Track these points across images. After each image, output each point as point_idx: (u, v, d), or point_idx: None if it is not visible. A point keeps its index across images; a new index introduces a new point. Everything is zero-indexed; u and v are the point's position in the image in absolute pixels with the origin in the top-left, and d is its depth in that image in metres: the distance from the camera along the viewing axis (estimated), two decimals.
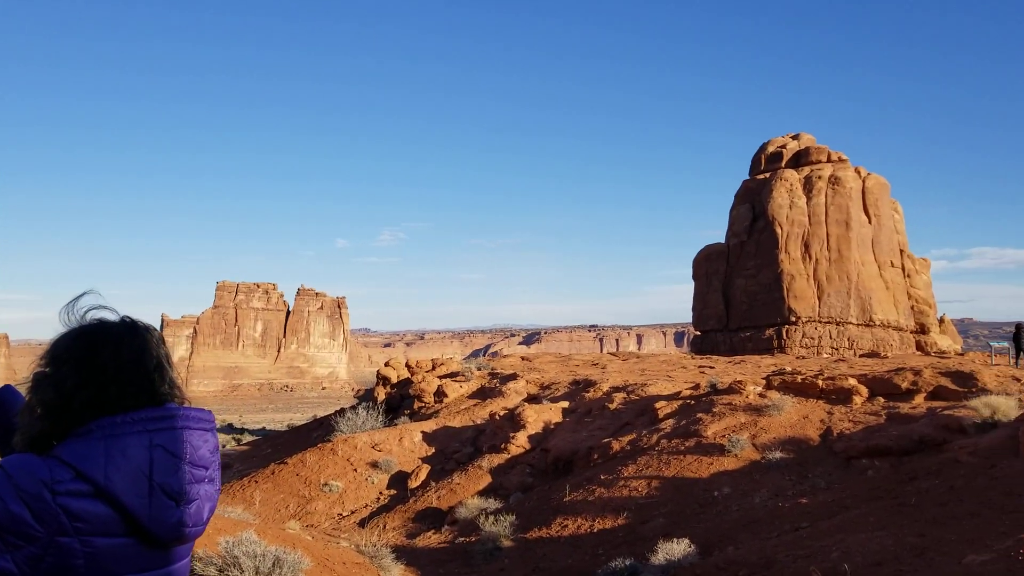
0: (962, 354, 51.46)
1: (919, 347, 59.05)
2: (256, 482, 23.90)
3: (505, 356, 52.57)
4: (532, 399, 30.18)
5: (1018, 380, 18.28)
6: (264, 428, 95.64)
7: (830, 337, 59.13)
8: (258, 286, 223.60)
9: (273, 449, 39.66)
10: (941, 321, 63.22)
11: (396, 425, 28.95)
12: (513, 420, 25.56)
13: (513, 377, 34.31)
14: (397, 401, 37.55)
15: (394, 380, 40.44)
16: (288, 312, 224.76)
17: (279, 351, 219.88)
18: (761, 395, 20.75)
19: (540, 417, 25.51)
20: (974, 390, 17.48)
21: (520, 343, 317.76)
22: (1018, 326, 29.87)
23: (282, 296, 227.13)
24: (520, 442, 23.97)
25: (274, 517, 21.53)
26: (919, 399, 18.48)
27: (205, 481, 2.12)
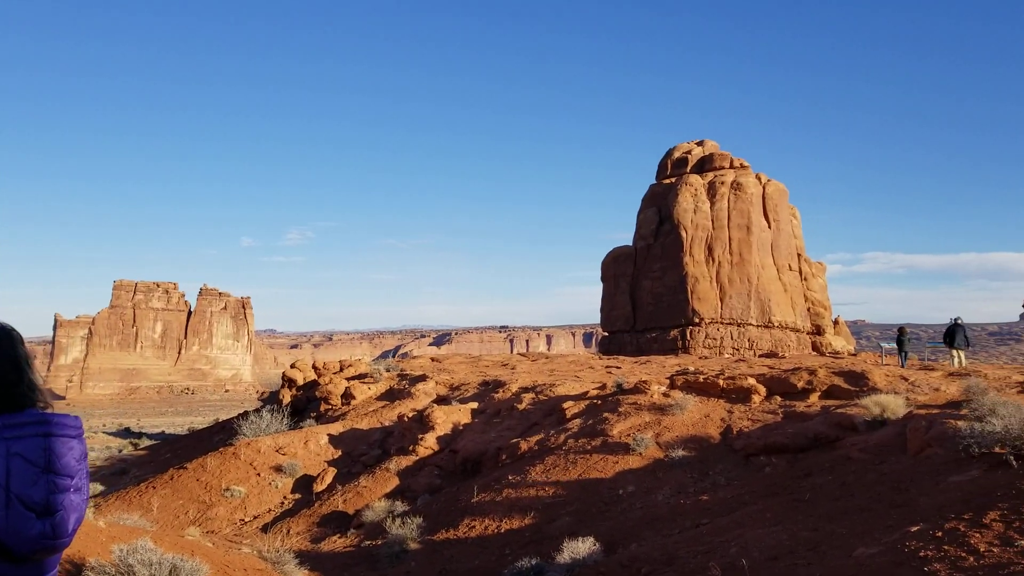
0: (855, 354, 53.75)
1: (815, 347, 61.35)
2: (154, 488, 23.09)
3: (415, 357, 52.25)
4: (441, 400, 30.07)
5: (906, 379, 19.19)
6: (163, 432, 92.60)
7: (732, 338, 60.79)
8: (158, 285, 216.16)
9: (172, 454, 38.43)
10: (836, 323, 65.80)
11: (302, 428, 28.40)
12: (422, 422, 25.41)
13: (422, 378, 34.12)
14: (303, 403, 36.86)
15: (300, 382, 39.69)
16: (190, 312, 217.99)
17: (180, 352, 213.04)
18: (665, 395, 21.20)
19: (449, 418, 25.45)
20: (865, 389, 18.26)
21: (431, 344, 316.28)
22: (900, 330, 31.43)
23: (183, 296, 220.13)
24: (429, 443, 23.84)
25: (172, 524, 20.84)
26: (814, 398, 19.20)
27: (70, 491, 2.00)
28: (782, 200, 65.90)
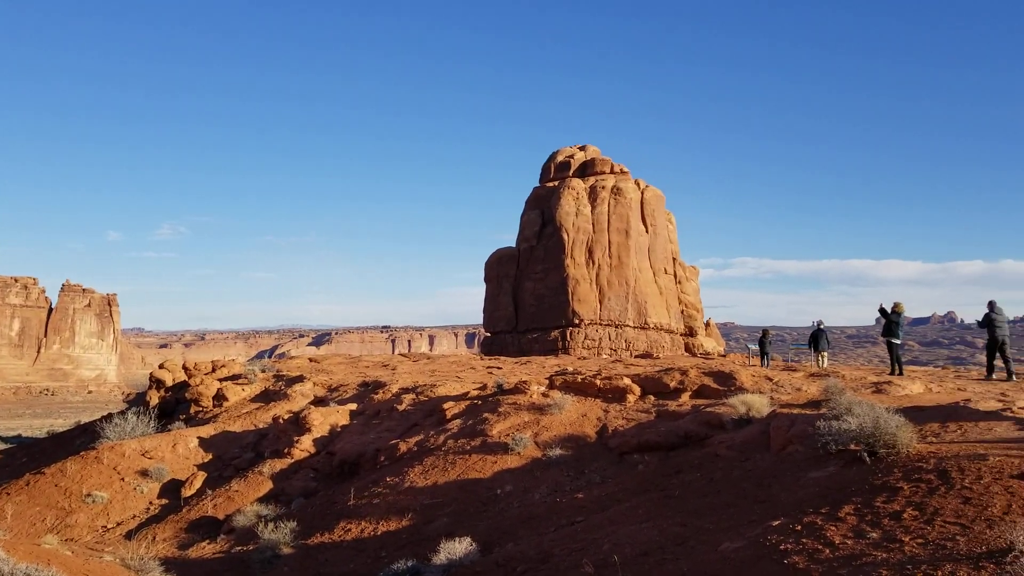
0: (724, 355, 55.86)
1: (687, 348, 63.42)
2: (8, 494, 21.66)
3: (293, 358, 50.99)
4: (319, 402, 29.44)
5: (770, 380, 20.06)
6: (20, 435, 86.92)
7: (610, 339, 62.06)
8: (16, 280, 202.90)
9: (29, 458, 36.12)
10: (707, 325, 68.22)
11: (170, 431, 27.22)
12: (298, 423, 24.82)
13: (300, 379, 33.33)
14: (172, 405, 35.38)
15: (169, 383, 38.08)
16: (51, 309, 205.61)
17: (39, 351, 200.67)
18: (544, 395, 21.43)
19: (327, 420, 24.95)
20: (733, 389, 18.99)
21: (310, 344, 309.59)
22: (764, 332, 33.01)
23: (44, 292, 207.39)
24: (305, 446, 23.30)
25: (28, 532, 19.62)
26: (685, 397, 19.82)
27: None
28: (659, 206, 67.81)
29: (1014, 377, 19.93)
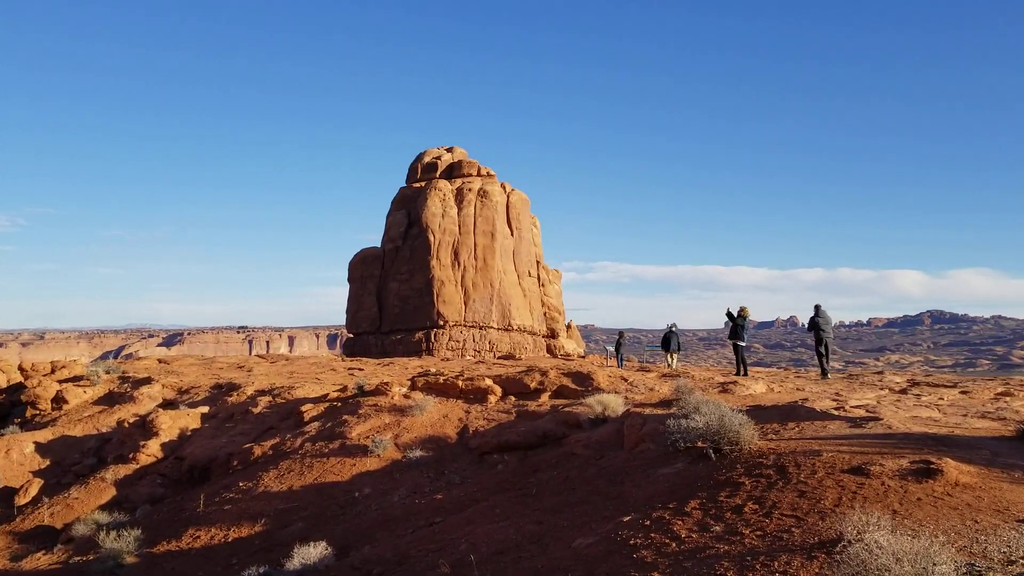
0: (584, 356, 57.18)
1: (549, 350, 64.51)
2: None
3: (141, 359, 48.57)
4: (169, 404, 28.14)
5: (626, 380, 20.67)
6: None
7: (474, 340, 62.32)
8: None
9: None
10: (569, 327, 69.64)
11: (3, 435, 25.36)
12: (145, 427, 23.64)
13: (148, 381, 31.75)
14: (7, 408, 32.96)
15: (4, 384, 35.46)
16: None
17: None
18: (406, 396, 21.28)
19: (176, 423, 23.87)
20: (590, 389, 19.45)
21: (160, 345, 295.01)
22: (620, 334, 34.14)
23: None
24: (152, 451, 22.22)
25: None
26: (545, 397, 20.15)
27: None
28: (524, 209, 68.68)
29: (828, 376, 21.54)
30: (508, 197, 67.37)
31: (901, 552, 5.80)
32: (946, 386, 19.25)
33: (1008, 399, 15.98)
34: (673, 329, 30.47)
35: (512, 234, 66.51)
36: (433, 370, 28.60)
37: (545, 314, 67.19)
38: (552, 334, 66.64)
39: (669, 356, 29.88)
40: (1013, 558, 6.18)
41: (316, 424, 20.62)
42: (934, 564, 5.66)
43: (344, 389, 24.28)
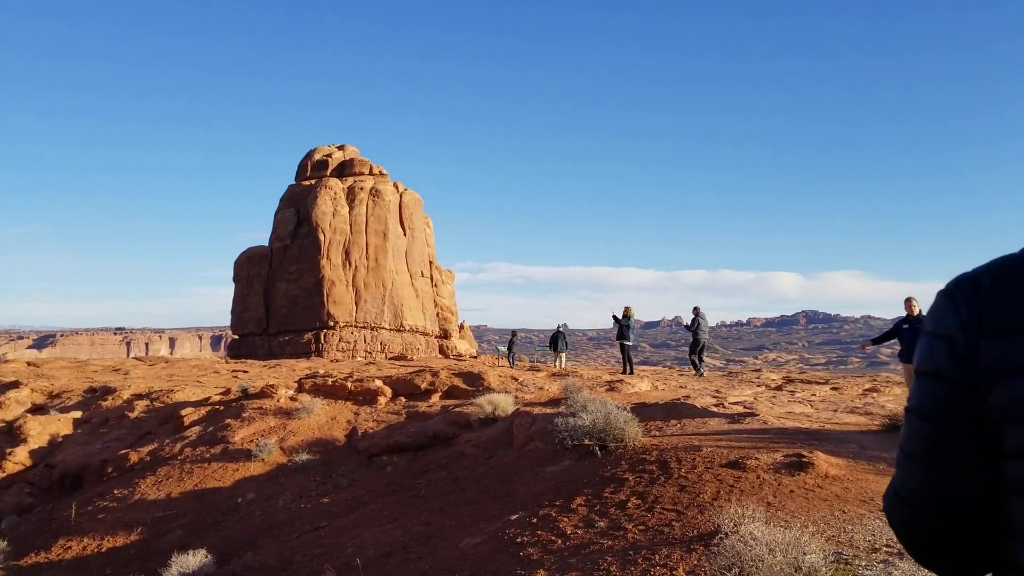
0: (475, 356, 57.33)
1: (442, 351, 64.37)
2: None
3: (8, 361, 45.86)
4: (38, 409, 26.62)
5: (516, 380, 20.82)
6: None
7: (365, 341, 61.58)
8: None
9: None
10: (461, 327, 69.71)
11: None
12: (12, 434, 22.32)
13: (15, 385, 29.96)
14: None
15: None
16: None
17: None
18: (292, 398, 20.80)
19: (46, 429, 22.63)
20: (481, 389, 19.48)
21: (30, 347, 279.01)
22: (512, 334, 34.56)
23: None
24: (19, 458, 20.99)
25: None
26: (436, 398, 20.06)
27: None
28: (417, 209, 68.29)
29: (704, 373, 22.46)
30: (401, 197, 66.83)
31: (774, 543, 6.02)
32: (818, 383, 20.21)
33: (875, 395, 16.90)
34: (561, 329, 31.06)
35: (405, 234, 66.02)
36: (322, 372, 28.07)
37: (438, 315, 67.01)
38: (445, 335, 66.54)
39: (556, 355, 30.40)
40: (877, 546, 6.52)
41: (197, 428, 19.92)
42: (804, 553, 5.89)
43: (227, 392, 23.54)
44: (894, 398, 15.03)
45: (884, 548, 6.41)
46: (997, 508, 1.19)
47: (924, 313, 10.37)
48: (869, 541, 6.65)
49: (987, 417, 1.19)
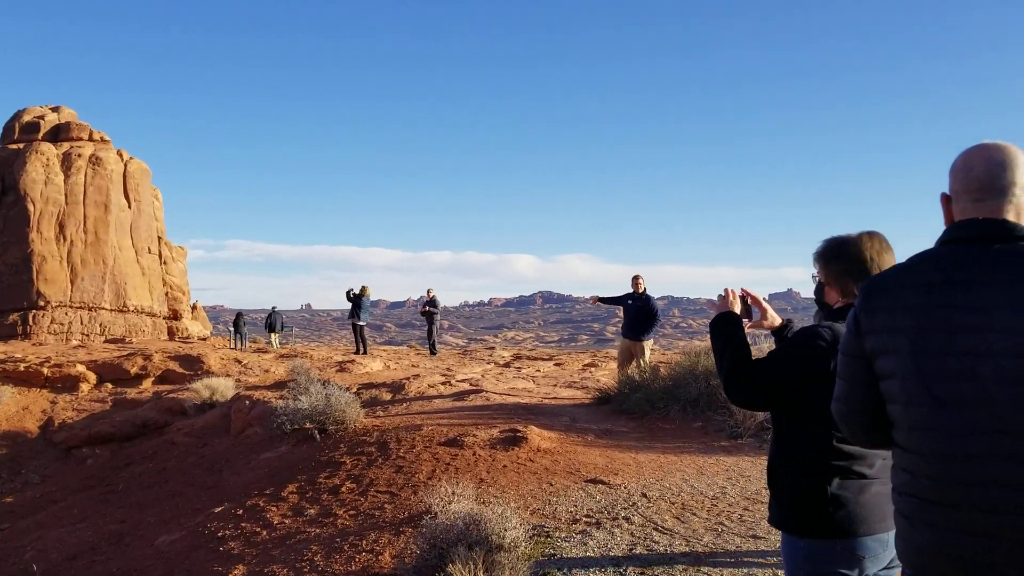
0: (205, 339, 54.29)
1: (171, 332, 60.29)
2: None
3: None
4: None
5: (240, 362, 19.72)
6: None
7: (82, 323, 56.20)
8: None
9: None
10: (194, 308, 65.66)
11: None
12: None
13: None
14: None
15: None
16: None
17: None
18: None
19: None
20: (200, 373, 18.25)
21: None
22: (238, 315, 33.45)
23: None
24: None
25: None
26: (148, 383, 18.58)
27: None
28: (144, 180, 63.21)
29: (437, 352, 22.94)
30: (126, 166, 61.49)
31: (477, 519, 5.98)
32: (544, 359, 21.01)
33: (593, 370, 17.79)
34: (275, 310, 32.86)
35: (130, 206, 60.84)
36: (19, 355, 25.05)
37: (167, 294, 62.60)
38: (175, 315, 62.34)
39: (273, 337, 31.92)
40: (577, 517, 6.68)
41: None
42: (506, 529, 5.88)
43: None
44: (609, 372, 15.84)
45: (584, 519, 6.57)
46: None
47: (648, 291, 10.79)
48: (571, 512, 6.79)
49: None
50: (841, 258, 2.72)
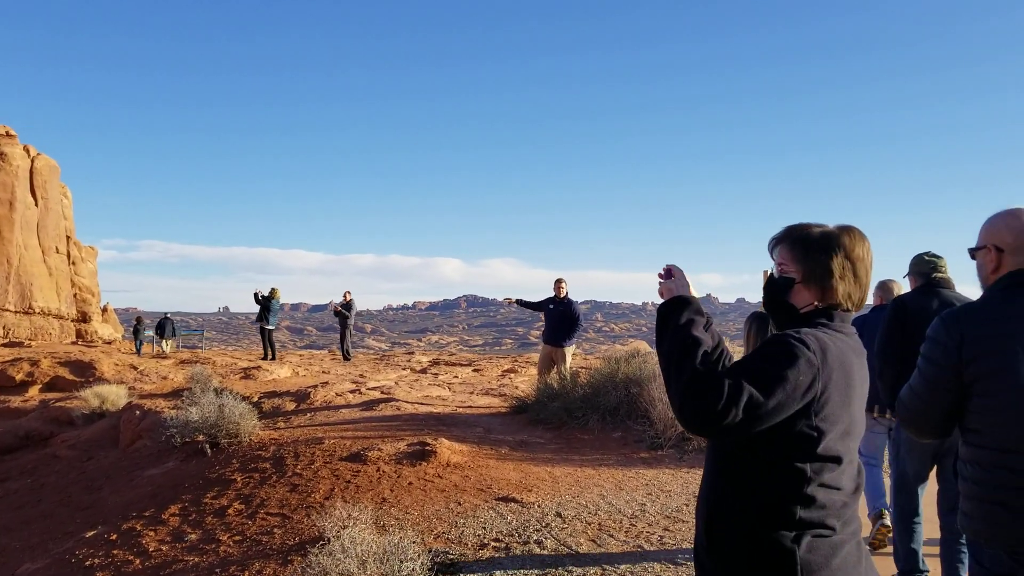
0: (109, 342, 52.08)
1: (80, 335, 57.85)
2: None
3: None
4: None
5: (136, 368, 18.56)
6: None
7: None
8: None
9: None
10: (105, 310, 63.23)
11: None
12: None
13: None
14: None
15: None
16: None
17: None
18: None
19: None
20: (92, 380, 17.09)
21: None
22: (138, 319, 32.66)
23: None
24: None
25: None
26: (34, 391, 17.38)
27: None
28: (53, 177, 60.59)
29: (350, 358, 22.27)
30: (33, 162, 58.78)
31: (367, 552, 5.35)
32: (463, 365, 20.38)
33: (512, 375, 17.26)
34: (168, 316, 33.87)
35: (37, 204, 58.16)
36: None
37: (76, 296, 60.01)
38: (84, 318, 59.78)
39: (164, 342, 32.53)
40: (486, 541, 6.12)
41: None
42: (402, 561, 5.28)
43: None
44: (528, 379, 15.30)
45: (492, 544, 6.04)
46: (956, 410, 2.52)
47: (570, 296, 10.22)
48: (479, 536, 6.24)
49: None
50: (829, 251, 2.11)
